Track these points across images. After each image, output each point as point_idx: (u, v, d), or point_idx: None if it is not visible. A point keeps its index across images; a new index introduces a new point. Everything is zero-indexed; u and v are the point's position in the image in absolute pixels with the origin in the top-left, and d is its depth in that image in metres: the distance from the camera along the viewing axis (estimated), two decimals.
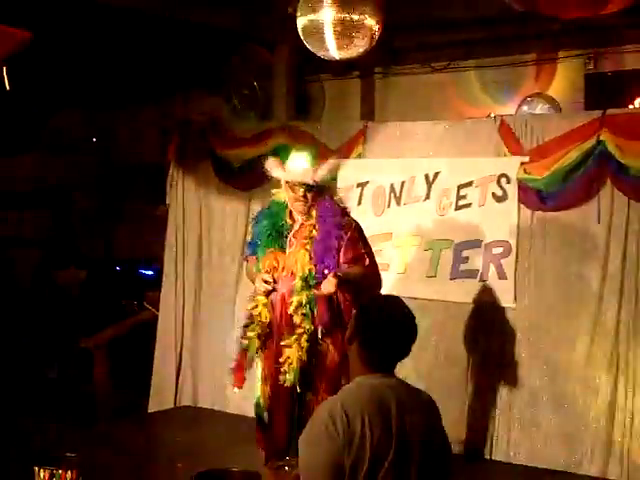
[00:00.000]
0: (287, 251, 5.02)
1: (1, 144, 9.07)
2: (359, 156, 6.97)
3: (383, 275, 6.69)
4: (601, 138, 5.90)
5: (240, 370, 5.22)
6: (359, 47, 5.34)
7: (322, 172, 5.04)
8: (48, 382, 8.36)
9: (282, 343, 4.91)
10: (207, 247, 7.75)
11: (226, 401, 7.47)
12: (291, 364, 4.85)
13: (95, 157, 10.29)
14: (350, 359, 2.99)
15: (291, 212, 5.12)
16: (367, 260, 5.04)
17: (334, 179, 5.57)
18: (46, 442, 6.17)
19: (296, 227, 5.07)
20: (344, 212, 5.13)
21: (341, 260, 4.93)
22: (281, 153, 7.18)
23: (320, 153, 7.05)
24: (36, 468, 3.98)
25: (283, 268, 5.00)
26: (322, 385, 4.90)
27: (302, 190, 4.98)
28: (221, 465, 4.70)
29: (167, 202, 7.84)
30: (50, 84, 8.69)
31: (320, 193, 5.06)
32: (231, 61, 8.19)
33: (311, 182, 4.98)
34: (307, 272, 4.91)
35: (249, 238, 5.36)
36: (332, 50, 5.32)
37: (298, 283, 4.90)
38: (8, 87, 6.06)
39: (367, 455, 2.67)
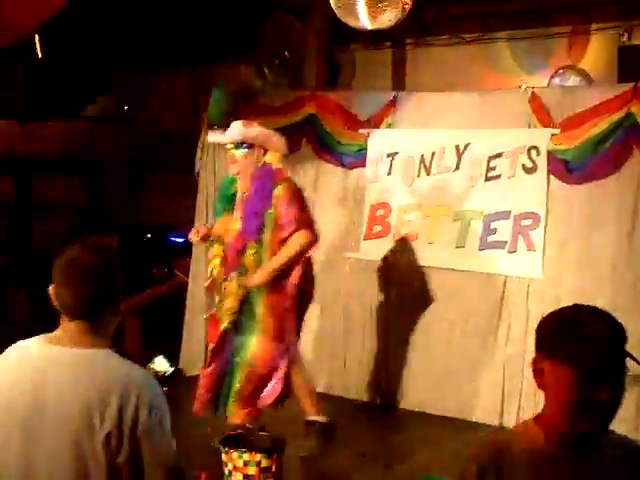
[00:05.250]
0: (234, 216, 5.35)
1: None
2: (389, 126, 6.99)
3: (412, 245, 6.75)
4: (631, 110, 5.89)
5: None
6: (391, 17, 5.35)
7: (252, 131, 5.14)
8: None
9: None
10: None
11: None
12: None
13: (126, 125, 10.34)
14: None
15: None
16: (297, 226, 5.14)
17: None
18: None
19: (239, 196, 5.33)
20: (277, 178, 5.19)
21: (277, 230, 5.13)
22: (312, 122, 7.29)
23: (350, 123, 7.15)
24: None
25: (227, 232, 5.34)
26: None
27: (231, 149, 5.18)
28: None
29: (196, 171, 7.89)
30: (83, 50, 8.73)
31: (251, 152, 5.13)
32: (262, 29, 8.19)
33: (238, 138, 5.09)
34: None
35: None
36: (364, 20, 5.33)
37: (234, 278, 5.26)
38: (40, 55, 6.10)
39: None
